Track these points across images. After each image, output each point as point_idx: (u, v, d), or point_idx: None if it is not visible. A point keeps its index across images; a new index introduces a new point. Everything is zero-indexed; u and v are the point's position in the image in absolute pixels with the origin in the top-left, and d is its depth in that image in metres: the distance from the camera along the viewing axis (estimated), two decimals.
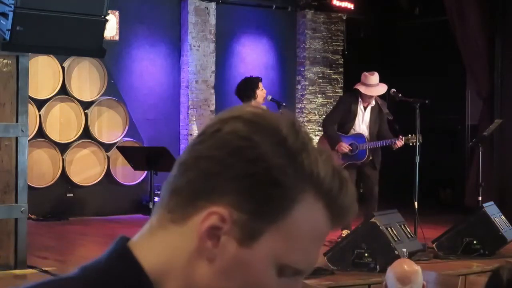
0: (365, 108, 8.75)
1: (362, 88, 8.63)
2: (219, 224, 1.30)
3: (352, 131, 8.78)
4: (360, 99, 8.73)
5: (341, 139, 8.74)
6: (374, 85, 8.62)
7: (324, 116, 13.13)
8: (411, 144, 8.46)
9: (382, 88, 8.65)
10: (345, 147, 8.68)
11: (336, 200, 1.34)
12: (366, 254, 6.96)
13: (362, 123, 8.77)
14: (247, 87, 7.77)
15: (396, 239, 6.98)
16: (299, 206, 1.32)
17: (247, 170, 1.30)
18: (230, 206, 1.30)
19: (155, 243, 1.34)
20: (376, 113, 8.77)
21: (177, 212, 1.33)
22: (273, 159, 1.31)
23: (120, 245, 1.36)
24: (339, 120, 8.82)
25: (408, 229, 7.43)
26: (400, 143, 8.58)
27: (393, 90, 8.55)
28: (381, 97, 8.79)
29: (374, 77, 8.64)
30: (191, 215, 1.32)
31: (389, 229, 7.03)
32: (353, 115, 8.74)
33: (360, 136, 8.74)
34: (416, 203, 8.02)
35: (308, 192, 1.32)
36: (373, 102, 8.74)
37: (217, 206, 1.30)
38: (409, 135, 8.48)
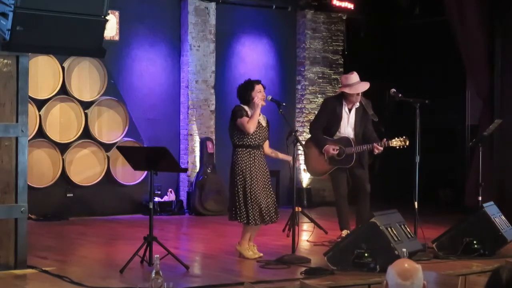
0: (349, 110, 8.75)
1: (346, 89, 8.65)
2: None
3: (338, 134, 8.75)
4: (344, 102, 8.73)
5: (327, 142, 8.72)
6: (356, 83, 8.66)
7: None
8: (397, 147, 8.45)
9: (365, 85, 8.69)
10: (330, 150, 8.66)
11: None
12: (366, 254, 6.95)
13: (348, 125, 8.75)
14: (243, 90, 7.71)
15: (396, 239, 6.97)
16: None
17: None
18: None
19: None
20: (361, 114, 8.77)
21: None
22: None
23: None
24: (325, 124, 8.81)
25: (408, 229, 7.43)
26: (377, 149, 8.55)
27: (393, 90, 8.52)
28: (364, 95, 8.79)
29: (354, 76, 8.71)
30: None
31: (389, 229, 7.02)
32: (338, 118, 8.73)
33: (346, 140, 8.71)
34: (416, 203, 8.00)
35: None
36: (358, 104, 8.73)
37: None
38: (396, 138, 8.46)
